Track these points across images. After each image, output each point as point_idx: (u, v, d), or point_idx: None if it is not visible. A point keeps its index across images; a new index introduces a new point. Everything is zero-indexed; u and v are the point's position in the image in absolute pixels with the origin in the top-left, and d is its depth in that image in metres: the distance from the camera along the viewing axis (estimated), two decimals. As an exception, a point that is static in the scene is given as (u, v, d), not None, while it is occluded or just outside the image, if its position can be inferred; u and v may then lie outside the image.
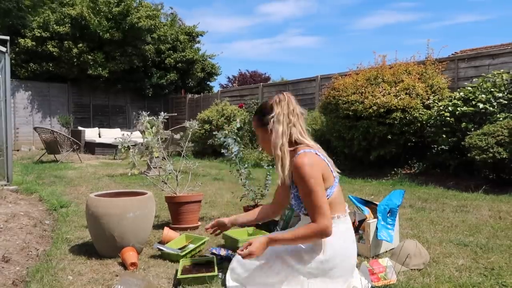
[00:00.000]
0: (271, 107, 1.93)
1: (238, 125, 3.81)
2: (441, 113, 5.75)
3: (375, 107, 6.16)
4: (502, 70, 5.83)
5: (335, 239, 1.87)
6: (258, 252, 1.83)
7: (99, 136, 12.84)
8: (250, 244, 1.84)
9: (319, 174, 1.83)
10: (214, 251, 2.53)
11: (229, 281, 1.96)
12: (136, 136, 9.03)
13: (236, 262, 1.98)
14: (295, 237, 1.83)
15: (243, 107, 10.76)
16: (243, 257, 1.84)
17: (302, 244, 1.86)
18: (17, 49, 12.97)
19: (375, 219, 2.68)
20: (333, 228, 1.84)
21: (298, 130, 1.93)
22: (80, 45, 12.99)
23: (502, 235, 3.08)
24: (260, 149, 2.33)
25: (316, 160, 1.86)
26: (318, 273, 1.85)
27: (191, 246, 2.64)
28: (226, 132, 3.69)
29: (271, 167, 3.76)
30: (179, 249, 2.59)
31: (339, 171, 2.04)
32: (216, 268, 2.24)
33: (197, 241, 2.74)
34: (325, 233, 1.80)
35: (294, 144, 1.93)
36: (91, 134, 12.58)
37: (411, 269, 2.35)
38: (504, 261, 2.50)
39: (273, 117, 1.91)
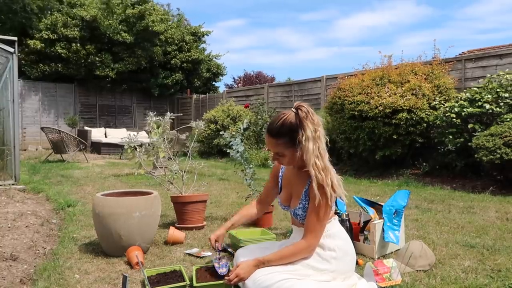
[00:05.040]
0: (301, 123, 1.79)
1: (245, 126, 3.81)
2: (447, 114, 5.71)
3: (381, 108, 6.14)
4: (507, 70, 5.79)
5: (344, 235, 1.98)
6: (246, 275, 1.80)
7: (105, 136, 12.91)
8: (238, 267, 1.83)
9: (335, 199, 1.86)
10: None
11: None
12: (142, 136, 9.08)
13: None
14: (282, 257, 1.84)
15: (249, 107, 10.77)
16: (231, 282, 1.81)
17: (290, 261, 1.86)
18: (26, 49, 13.07)
19: (381, 220, 2.68)
20: (337, 227, 1.97)
21: (323, 144, 1.84)
22: (88, 46, 13.07)
23: (509, 237, 3.06)
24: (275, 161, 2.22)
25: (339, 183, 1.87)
26: (338, 269, 1.90)
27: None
28: (232, 132, 3.70)
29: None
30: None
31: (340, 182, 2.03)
32: (186, 277, 2.12)
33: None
34: (310, 252, 1.85)
35: (322, 159, 1.83)
36: (97, 134, 12.66)
37: (417, 270, 2.35)
38: (511, 262, 2.48)
39: (303, 135, 1.77)
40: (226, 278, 1.85)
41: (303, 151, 1.78)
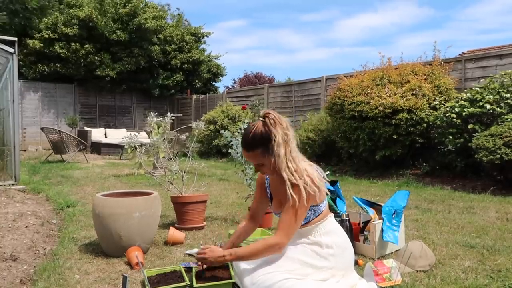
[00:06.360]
0: (269, 131, 1.83)
1: (246, 126, 3.81)
2: (447, 114, 5.71)
3: (381, 108, 6.13)
4: (510, 71, 5.78)
5: (341, 232, 2.00)
6: (210, 257, 1.90)
7: (105, 137, 12.91)
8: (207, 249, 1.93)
9: (312, 201, 1.86)
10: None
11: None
12: (142, 137, 9.07)
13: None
14: (251, 253, 1.87)
15: (247, 108, 10.76)
16: (198, 257, 1.93)
17: (260, 257, 1.88)
18: (25, 50, 13.07)
19: (380, 220, 2.68)
20: (333, 224, 2.00)
21: (294, 146, 1.89)
22: (87, 46, 13.07)
23: (509, 237, 3.06)
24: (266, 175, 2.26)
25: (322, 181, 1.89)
26: (335, 266, 1.90)
27: None
28: (232, 132, 3.70)
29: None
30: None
31: (327, 179, 2.00)
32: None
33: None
34: (279, 250, 1.86)
35: (293, 161, 1.87)
36: (97, 134, 12.66)
37: (417, 271, 2.35)
38: (511, 263, 2.48)
39: (275, 141, 1.82)
40: (196, 253, 1.97)
41: (275, 157, 1.83)
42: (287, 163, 1.83)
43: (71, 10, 13.02)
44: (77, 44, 12.90)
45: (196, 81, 15.87)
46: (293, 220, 1.84)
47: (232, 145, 3.65)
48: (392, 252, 2.72)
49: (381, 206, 2.78)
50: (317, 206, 1.91)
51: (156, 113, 3.86)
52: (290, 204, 1.83)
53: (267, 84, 12.01)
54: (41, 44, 12.92)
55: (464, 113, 5.53)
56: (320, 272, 1.86)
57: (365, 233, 2.75)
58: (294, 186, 1.82)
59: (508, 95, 5.42)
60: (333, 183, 2.96)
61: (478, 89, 5.75)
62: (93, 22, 12.84)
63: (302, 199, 1.81)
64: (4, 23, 12.01)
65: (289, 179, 1.82)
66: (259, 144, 1.85)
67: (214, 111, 10.77)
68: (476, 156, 5.07)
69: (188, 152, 4.05)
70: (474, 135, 5.27)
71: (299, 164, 1.87)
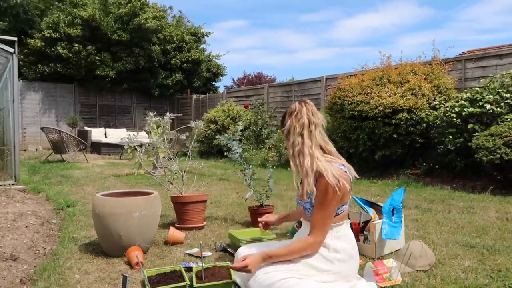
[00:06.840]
0: (296, 108, 1.96)
1: (241, 128, 3.83)
2: (447, 114, 5.71)
3: (381, 108, 6.13)
4: (510, 71, 5.78)
5: (352, 239, 1.99)
6: (253, 267, 1.85)
7: (105, 136, 12.91)
8: (245, 259, 1.86)
9: (340, 196, 1.86)
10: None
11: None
12: (142, 137, 9.07)
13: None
14: (290, 252, 1.87)
15: (249, 108, 10.76)
16: (238, 269, 1.86)
17: (297, 257, 1.88)
18: (25, 50, 13.06)
19: (380, 220, 2.68)
20: (347, 230, 1.98)
21: (318, 135, 1.92)
22: (89, 47, 13.04)
23: (509, 237, 3.06)
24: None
25: (345, 180, 1.87)
26: (339, 272, 1.90)
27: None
28: (230, 134, 3.71)
29: (273, 168, 3.79)
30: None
31: (357, 176, 2.00)
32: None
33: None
34: (317, 248, 1.88)
35: (321, 149, 1.92)
36: (97, 134, 12.66)
37: (417, 270, 2.35)
38: (511, 262, 2.48)
39: (296, 113, 1.94)
40: (232, 265, 1.90)
41: (292, 128, 1.93)
42: (298, 139, 1.90)
43: (74, 10, 12.98)
44: (80, 46, 12.87)
45: (196, 80, 15.86)
46: (323, 214, 1.85)
47: (230, 147, 3.64)
48: (392, 252, 2.72)
49: (381, 206, 2.78)
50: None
51: (155, 113, 3.86)
52: (323, 200, 1.84)
53: (267, 84, 12.01)
54: (42, 43, 12.91)
55: (464, 113, 5.53)
56: (324, 275, 1.86)
57: (365, 233, 2.75)
58: (292, 158, 1.94)
59: (508, 95, 5.42)
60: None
61: (478, 89, 5.75)
62: (96, 22, 12.81)
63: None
64: (4, 28, 12.06)
65: (288, 151, 1.95)
66: (285, 115, 2.01)
67: (215, 111, 10.76)
68: (476, 156, 5.07)
69: (188, 151, 4.05)
70: (474, 135, 5.27)
71: (312, 147, 1.90)
